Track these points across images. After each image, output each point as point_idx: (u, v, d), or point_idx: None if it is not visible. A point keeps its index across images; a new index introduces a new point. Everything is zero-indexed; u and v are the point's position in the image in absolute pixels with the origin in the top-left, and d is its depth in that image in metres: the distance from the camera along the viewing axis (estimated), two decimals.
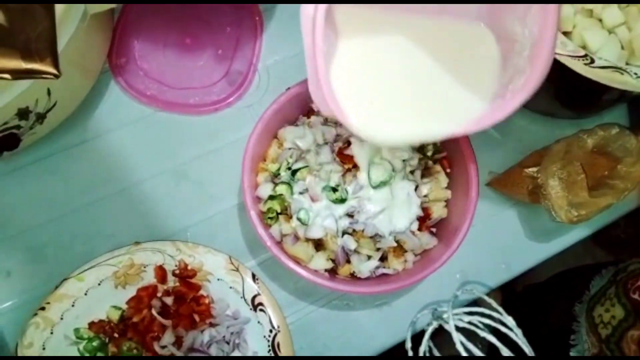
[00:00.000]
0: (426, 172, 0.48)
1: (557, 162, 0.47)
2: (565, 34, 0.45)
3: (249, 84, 0.54)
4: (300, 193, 0.45)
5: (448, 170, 0.49)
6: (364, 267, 0.45)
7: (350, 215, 0.44)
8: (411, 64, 0.37)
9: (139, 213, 0.50)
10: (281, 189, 0.45)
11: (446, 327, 0.41)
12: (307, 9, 0.31)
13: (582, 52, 0.43)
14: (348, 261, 0.46)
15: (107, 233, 0.49)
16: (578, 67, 0.42)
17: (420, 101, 0.37)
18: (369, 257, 0.45)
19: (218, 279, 0.45)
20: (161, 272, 0.45)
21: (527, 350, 0.42)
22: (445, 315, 0.41)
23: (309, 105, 0.49)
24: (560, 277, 0.86)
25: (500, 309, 0.40)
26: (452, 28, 0.37)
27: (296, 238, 0.45)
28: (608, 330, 0.50)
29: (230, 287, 0.45)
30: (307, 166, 0.45)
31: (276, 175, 0.47)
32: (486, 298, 0.41)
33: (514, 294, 1.04)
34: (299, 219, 0.44)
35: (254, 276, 0.45)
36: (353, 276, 0.46)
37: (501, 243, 0.52)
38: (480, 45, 0.37)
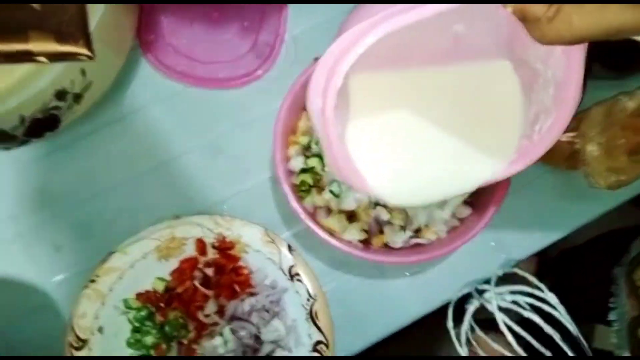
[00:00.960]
0: None
1: (596, 127, 0.46)
2: None
3: (276, 55, 0.54)
4: None
5: None
6: (397, 237, 0.46)
7: None
8: (430, 121, 0.35)
9: (177, 187, 0.51)
10: (313, 162, 0.46)
11: (488, 307, 0.41)
12: (315, 103, 0.30)
13: None
14: (381, 232, 0.46)
15: (148, 206, 0.50)
16: None
17: (445, 156, 0.35)
18: (402, 228, 0.46)
19: (256, 251, 0.47)
20: (201, 245, 0.47)
21: (571, 328, 0.41)
22: (487, 295, 0.41)
23: None
24: (598, 240, 0.85)
25: (542, 285, 0.40)
26: (466, 70, 0.35)
27: (329, 210, 0.46)
28: None
29: (268, 258, 0.46)
30: None
31: (307, 147, 0.47)
32: (528, 276, 0.41)
33: (550, 258, 1.03)
34: (331, 192, 0.44)
35: (289, 247, 0.46)
36: (386, 246, 0.47)
37: (537, 210, 0.51)
38: (498, 81, 0.35)
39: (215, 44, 0.54)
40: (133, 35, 0.52)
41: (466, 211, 0.46)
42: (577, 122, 0.49)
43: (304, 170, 0.46)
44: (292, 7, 0.54)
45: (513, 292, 0.42)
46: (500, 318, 0.40)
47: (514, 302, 0.41)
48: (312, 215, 0.46)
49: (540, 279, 1.03)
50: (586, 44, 0.29)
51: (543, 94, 0.32)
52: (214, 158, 0.52)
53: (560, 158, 0.49)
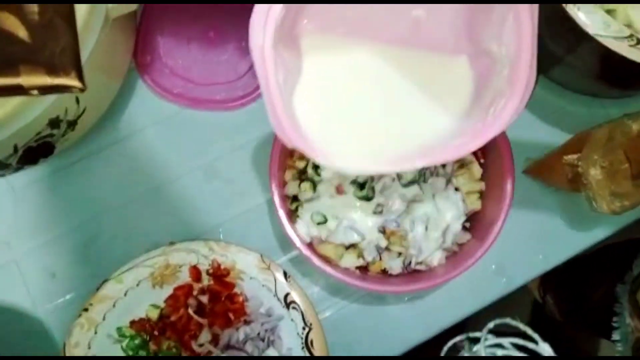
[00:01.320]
0: (458, 163, 0.47)
1: (598, 150, 0.44)
2: (609, 12, 0.42)
3: None
4: (326, 190, 0.44)
5: (482, 161, 0.47)
6: (396, 264, 0.45)
7: (378, 212, 0.44)
8: (381, 88, 0.35)
9: (172, 211, 0.51)
10: (305, 187, 0.45)
11: None
12: (256, 38, 0.29)
13: (628, 32, 0.40)
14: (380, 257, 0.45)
15: (143, 231, 0.50)
16: (623, 49, 0.39)
17: (393, 129, 0.35)
18: (400, 254, 0.45)
19: (251, 278, 0.46)
20: (195, 272, 0.46)
21: None
22: (477, 348, 0.40)
23: None
24: (602, 252, 0.83)
25: (536, 336, 0.39)
26: (423, 58, 0.35)
27: None
28: None
29: (263, 286, 0.46)
30: None
31: (304, 172, 0.46)
32: (520, 326, 0.40)
33: (554, 270, 1.01)
34: (318, 224, 0.44)
35: (285, 274, 0.46)
36: (384, 272, 0.46)
37: (539, 233, 0.50)
38: (453, 68, 0.35)
39: (212, 65, 0.54)
40: (130, 59, 0.52)
41: (466, 236, 0.45)
42: (579, 143, 0.48)
43: (297, 197, 0.46)
44: None
45: (505, 346, 0.40)
46: None
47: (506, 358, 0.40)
48: (309, 243, 0.45)
49: (544, 292, 1.01)
50: (536, 19, 0.30)
51: (498, 79, 0.32)
52: (210, 181, 0.51)
53: (563, 180, 0.48)
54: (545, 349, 0.38)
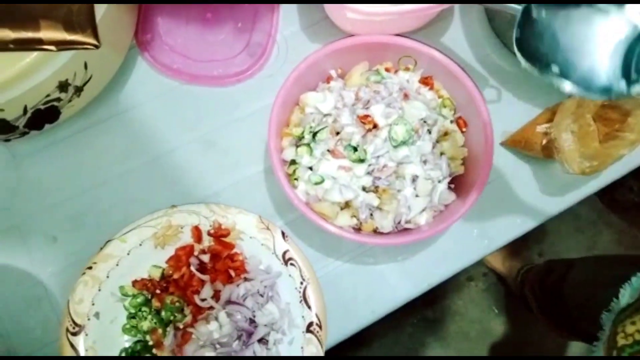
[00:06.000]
0: (442, 131, 0.50)
1: (568, 117, 0.49)
2: None
3: (268, 55, 0.57)
4: (322, 154, 0.47)
5: (464, 130, 0.51)
6: (387, 222, 0.48)
7: (370, 173, 0.47)
8: None
9: (171, 180, 0.53)
10: (302, 151, 0.48)
11: None
12: None
13: None
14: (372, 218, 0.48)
15: (142, 200, 0.52)
16: None
17: None
18: (390, 213, 0.48)
19: (250, 237, 0.48)
20: (197, 232, 0.48)
21: None
22: None
23: (327, 71, 0.52)
24: (582, 265, 0.82)
25: None
26: None
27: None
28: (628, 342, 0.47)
29: (262, 244, 0.48)
30: (326, 127, 0.48)
31: (300, 138, 0.49)
32: None
33: (534, 271, 1.02)
34: (316, 184, 0.47)
35: (283, 234, 0.48)
36: (376, 232, 0.49)
37: (516, 199, 0.54)
38: None
39: (209, 44, 0.57)
40: (131, 36, 0.54)
41: (451, 197, 0.49)
42: (551, 114, 0.53)
43: (295, 161, 0.48)
44: (283, 10, 0.57)
45: None
46: None
47: None
48: (305, 203, 0.48)
49: (522, 286, 1.01)
50: None
51: None
52: (207, 152, 0.54)
53: (537, 148, 0.52)
54: None
